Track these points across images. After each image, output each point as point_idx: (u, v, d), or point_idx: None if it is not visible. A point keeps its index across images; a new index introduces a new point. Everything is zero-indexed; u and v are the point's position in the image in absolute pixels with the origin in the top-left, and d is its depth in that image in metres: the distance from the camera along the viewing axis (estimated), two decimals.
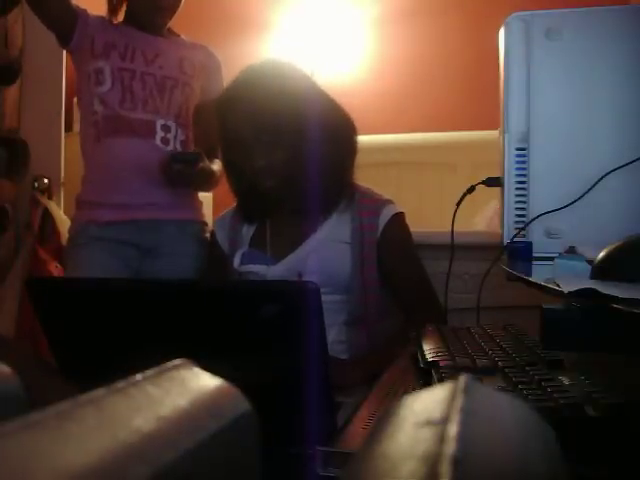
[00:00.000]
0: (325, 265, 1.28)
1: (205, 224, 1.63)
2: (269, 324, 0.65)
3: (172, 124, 1.53)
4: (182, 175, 1.46)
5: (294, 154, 1.27)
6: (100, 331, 0.72)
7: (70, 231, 1.62)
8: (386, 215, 1.31)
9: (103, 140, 1.51)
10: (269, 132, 1.25)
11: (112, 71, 1.50)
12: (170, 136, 1.52)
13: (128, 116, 1.49)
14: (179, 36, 1.63)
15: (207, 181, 1.55)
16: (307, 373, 0.63)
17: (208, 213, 2.35)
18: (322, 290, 1.23)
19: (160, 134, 1.51)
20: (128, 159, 1.49)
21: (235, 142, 1.30)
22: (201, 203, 1.65)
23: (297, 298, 0.64)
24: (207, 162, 1.49)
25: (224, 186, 1.64)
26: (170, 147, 1.52)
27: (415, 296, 1.32)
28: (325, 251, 1.29)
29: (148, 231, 1.51)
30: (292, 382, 0.65)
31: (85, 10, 1.54)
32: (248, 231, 1.39)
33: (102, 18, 1.56)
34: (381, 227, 1.30)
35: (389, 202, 1.34)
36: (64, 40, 1.53)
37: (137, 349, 0.67)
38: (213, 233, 1.44)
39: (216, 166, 1.57)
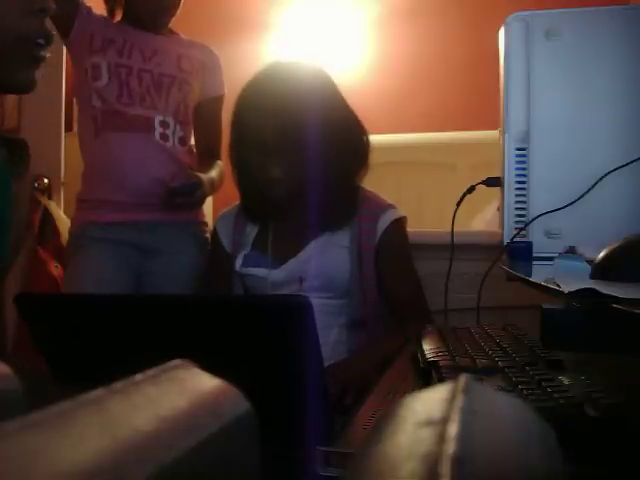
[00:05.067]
0: (325, 269, 1.28)
1: (206, 224, 1.62)
2: (264, 338, 0.65)
3: (170, 120, 1.52)
4: (184, 205, 1.47)
5: (310, 166, 1.25)
6: (94, 347, 0.72)
7: (71, 231, 1.62)
8: (385, 221, 1.30)
9: (102, 135, 1.50)
10: (293, 138, 1.21)
11: (109, 67, 1.49)
12: (169, 132, 1.52)
13: (126, 111, 1.49)
14: (177, 34, 1.63)
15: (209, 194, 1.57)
16: (304, 379, 0.63)
17: (208, 213, 2.35)
18: (323, 294, 1.25)
19: (159, 130, 1.51)
20: (127, 155, 1.49)
21: (253, 145, 1.26)
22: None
23: (292, 312, 0.65)
24: (206, 184, 1.48)
25: (224, 185, 1.64)
26: (169, 143, 1.52)
27: (406, 309, 1.31)
28: (325, 255, 1.29)
29: (148, 232, 1.51)
30: (290, 388, 0.65)
31: (89, 7, 1.54)
32: (251, 232, 1.38)
33: (104, 17, 1.56)
34: (379, 233, 1.29)
35: (390, 207, 1.33)
36: (63, 32, 1.52)
37: (132, 364, 0.66)
38: (215, 230, 1.43)
39: (215, 172, 1.56)
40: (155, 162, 1.49)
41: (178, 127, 1.54)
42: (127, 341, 0.70)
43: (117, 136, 1.49)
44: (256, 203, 1.36)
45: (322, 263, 1.28)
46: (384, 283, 1.31)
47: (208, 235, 1.57)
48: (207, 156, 1.61)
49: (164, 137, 1.51)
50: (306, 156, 1.23)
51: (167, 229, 1.53)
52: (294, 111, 1.21)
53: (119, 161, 1.49)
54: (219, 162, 1.62)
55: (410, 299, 1.32)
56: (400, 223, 1.33)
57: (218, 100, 1.64)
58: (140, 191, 1.49)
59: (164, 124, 1.51)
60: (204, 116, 1.62)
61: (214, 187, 1.56)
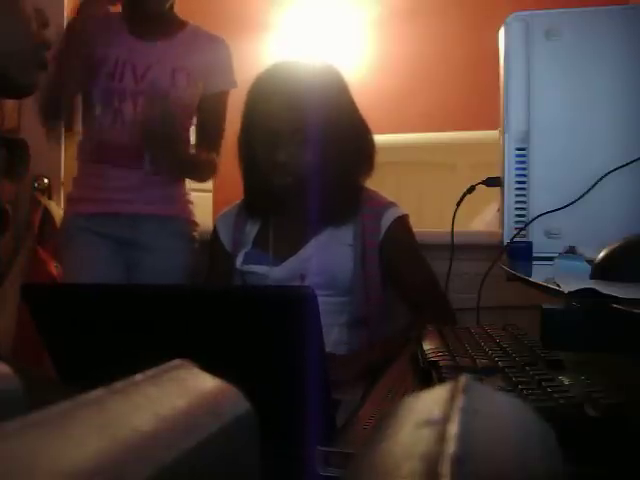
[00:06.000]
0: (327, 267, 1.28)
1: (195, 223, 1.62)
2: (269, 329, 0.65)
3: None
4: (155, 137, 1.43)
5: (315, 157, 1.26)
6: (97, 337, 0.72)
7: (60, 226, 1.66)
8: (388, 218, 1.31)
9: (96, 164, 1.54)
10: (301, 129, 1.24)
11: (102, 94, 1.50)
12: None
13: (119, 142, 1.51)
14: (183, 28, 1.58)
15: (191, 168, 1.57)
16: (306, 375, 0.63)
17: (208, 213, 2.34)
18: (324, 292, 1.25)
19: (148, 157, 1.52)
20: (117, 180, 1.53)
21: (262, 132, 1.28)
22: (189, 201, 1.64)
23: (295, 303, 0.64)
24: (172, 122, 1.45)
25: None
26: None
27: (423, 296, 1.32)
28: (327, 253, 1.29)
29: (128, 225, 1.53)
30: (291, 384, 0.65)
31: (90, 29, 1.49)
32: (251, 230, 1.38)
33: (103, 19, 1.53)
34: (383, 230, 1.30)
35: (392, 205, 1.34)
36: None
37: (135, 355, 0.66)
38: (215, 231, 1.43)
39: (204, 155, 1.56)
40: (144, 189, 1.52)
41: None
42: (132, 331, 0.70)
43: (109, 167, 1.52)
44: (259, 196, 1.36)
45: (324, 260, 1.28)
46: (394, 275, 1.32)
47: (197, 234, 1.59)
48: (205, 149, 1.60)
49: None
50: (311, 146, 1.25)
51: (147, 223, 1.54)
52: (304, 100, 1.24)
53: (109, 183, 1.53)
54: (214, 155, 1.60)
55: (423, 283, 1.33)
56: (403, 220, 1.34)
57: (221, 95, 1.61)
58: (124, 191, 1.52)
59: None
60: (205, 111, 1.60)
61: (198, 167, 1.57)
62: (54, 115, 1.55)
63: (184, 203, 1.62)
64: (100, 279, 1.46)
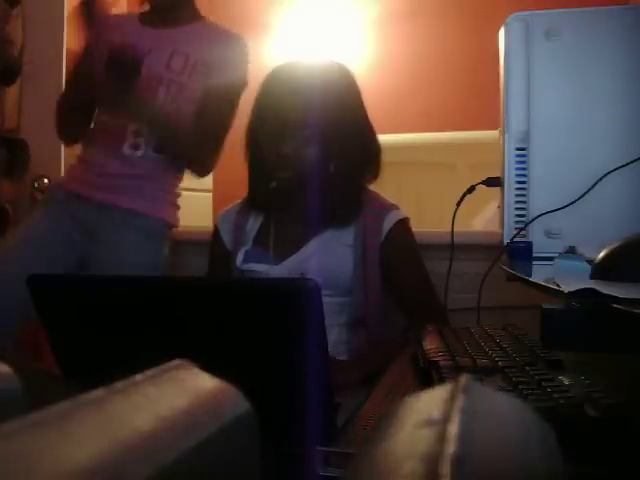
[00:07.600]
0: (327, 267, 1.28)
1: (167, 224, 1.58)
2: (269, 323, 0.65)
3: (145, 129, 1.52)
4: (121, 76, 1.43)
5: (319, 155, 1.26)
6: (101, 328, 0.72)
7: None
8: (390, 220, 1.31)
9: (89, 147, 1.59)
10: (308, 125, 1.24)
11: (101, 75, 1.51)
12: (140, 140, 1.53)
13: (107, 121, 1.54)
14: (201, 19, 1.64)
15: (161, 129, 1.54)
16: (307, 372, 0.62)
17: (208, 212, 2.34)
18: (324, 292, 1.23)
19: (130, 140, 1.52)
20: (98, 166, 1.55)
21: (270, 122, 1.28)
22: (172, 203, 1.61)
23: (298, 296, 0.64)
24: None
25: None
26: (140, 152, 1.53)
27: (417, 300, 1.32)
28: (328, 253, 1.29)
29: (94, 212, 1.53)
30: (292, 381, 0.64)
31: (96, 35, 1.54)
32: (252, 228, 1.38)
33: (117, 20, 1.61)
34: (385, 232, 1.30)
35: (394, 207, 1.34)
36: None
37: (138, 347, 0.66)
38: (216, 229, 1.44)
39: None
40: (119, 180, 1.53)
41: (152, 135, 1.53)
42: (134, 323, 0.70)
43: (96, 150, 1.56)
44: (262, 189, 1.36)
45: (324, 260, 1.28)
46: (391, 275, 1.32)
47: (164, 230, 1.57)
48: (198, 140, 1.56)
49: (135, 146, 1.53)
50: (316, 143, 1.25)
51: (112, 213, 1.53)
52: (314, 97, 1.24)
53: (88, 171, 1.56)
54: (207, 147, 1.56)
55: (419, 282, 1.33)
56: (405, 223, 1.34)
57: (227, 92, 1.54)
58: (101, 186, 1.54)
59: (137, 133, 1.52)
60: (206, 105, 1.53)
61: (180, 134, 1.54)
62: (72, 138, 1.65)
63: (163, 203, 1.58)
64: (39, 254, 1.49)
